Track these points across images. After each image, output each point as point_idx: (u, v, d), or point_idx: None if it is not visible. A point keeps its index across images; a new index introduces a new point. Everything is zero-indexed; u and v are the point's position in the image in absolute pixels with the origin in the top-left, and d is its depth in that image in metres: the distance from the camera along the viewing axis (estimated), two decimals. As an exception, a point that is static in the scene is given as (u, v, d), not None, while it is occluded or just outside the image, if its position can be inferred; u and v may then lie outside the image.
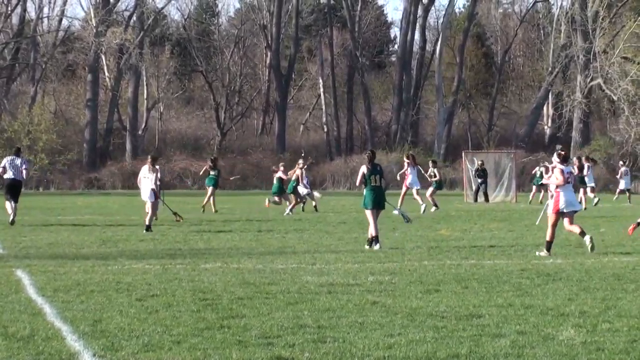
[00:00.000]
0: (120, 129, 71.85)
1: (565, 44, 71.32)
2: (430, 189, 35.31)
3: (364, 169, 19.40)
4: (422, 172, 36.00)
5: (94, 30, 66.81)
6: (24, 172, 26.47)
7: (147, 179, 24.20)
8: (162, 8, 75.62)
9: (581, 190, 35.93)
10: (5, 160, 26.48)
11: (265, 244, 20.07)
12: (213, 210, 32.57)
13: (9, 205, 25.86)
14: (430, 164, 37.29)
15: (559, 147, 21.49)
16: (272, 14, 72.90)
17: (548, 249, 17.42)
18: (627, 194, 44.16)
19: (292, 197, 32.64)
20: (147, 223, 23.56)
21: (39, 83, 70.58)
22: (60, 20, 72.84)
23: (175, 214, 26.11)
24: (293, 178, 32.75)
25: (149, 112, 72.86)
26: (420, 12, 73.64)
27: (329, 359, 8.41)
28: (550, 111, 76.43)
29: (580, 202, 35.71)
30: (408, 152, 40.31)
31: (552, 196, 18.12)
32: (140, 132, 71.19)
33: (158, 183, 24.38)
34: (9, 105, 68.09)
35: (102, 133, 69.75)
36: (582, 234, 17.71)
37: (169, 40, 79.85)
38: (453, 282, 13.34)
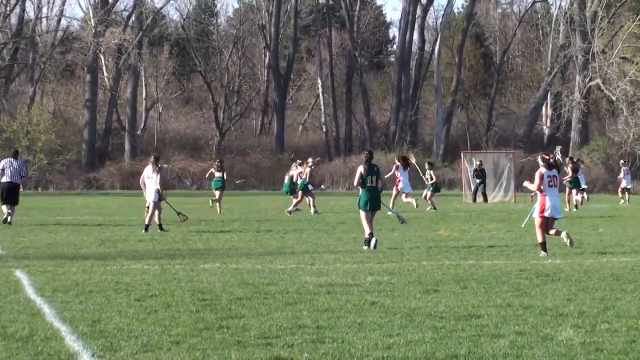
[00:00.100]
0: (119, 129, 71.79)
1: (564, 44, 71.27)
2: (428, 192, 35.17)
3: (361, 170, 19.41)
4: (420, 172, 35.85)
5: (93, 31, 66.73)
6: (23, 177, 26.70)
7: (151, 179, 24.16)
8: (161, 8, 75.70)
9: (573, 191, 35.81)
10: (3, 163, 26.47)
11: (264, 244, 20.07)
12: (218, 211, 32.45)
13: (4, 208, 25.86)
14: (427, 166, 36.76)
15: (558, 147, 21.51)
16: (271, 14, 72.89)
17: (544, 249, 17.46)
18: (627, 194, 44.09)
19: (300, 194, 32.52)
20: (146, 222, 23.54)
21: (38, 83, 70.54)
22: (59, 21, 72.78)
23: (179, 213, 26.11)
24: (303, 176, 32.76)
25: (148, 112, 72.87)
26: (419, 12, 73.61)
27: (327, 359, 8.43)
28: (549, 111, 76.39)
29: (576, 205, 35.74)
30: (399, 154, 40.07)
31: (532, 198, 18.19)
32: (139, 132, 71.15)
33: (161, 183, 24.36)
34: (7, 106, 67.99)
35: (101, 133, 69.69)
36: (558, 233, 17.87)
37: (168, 41, 79.80)
38: (452, 283, 13.35)
